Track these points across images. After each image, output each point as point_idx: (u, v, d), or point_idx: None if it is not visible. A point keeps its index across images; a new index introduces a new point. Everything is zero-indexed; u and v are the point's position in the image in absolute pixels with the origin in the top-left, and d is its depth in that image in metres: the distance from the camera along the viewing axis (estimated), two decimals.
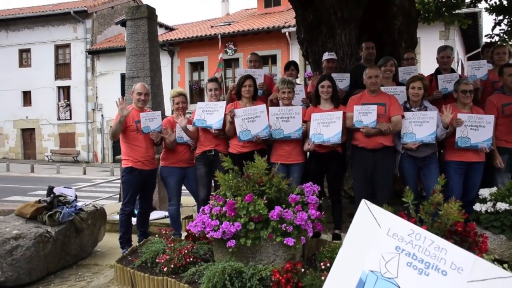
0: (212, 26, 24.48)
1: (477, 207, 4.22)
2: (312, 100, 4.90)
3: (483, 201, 4.25)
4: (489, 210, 4.10)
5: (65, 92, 25.69)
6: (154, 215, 6.66)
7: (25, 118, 26.11)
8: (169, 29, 26.79)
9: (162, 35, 24.91)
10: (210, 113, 4.97)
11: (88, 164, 23.50)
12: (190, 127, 5.05)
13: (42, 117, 25.80)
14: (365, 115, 4.37)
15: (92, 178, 16.77)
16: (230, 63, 22.54)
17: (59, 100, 25.70)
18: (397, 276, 1.57)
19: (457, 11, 7.39)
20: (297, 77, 5.93)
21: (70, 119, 25.48)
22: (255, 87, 4.92)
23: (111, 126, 5.30)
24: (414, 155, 4.52)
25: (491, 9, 6.96)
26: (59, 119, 25.77)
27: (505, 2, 6.65)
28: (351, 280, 1.56)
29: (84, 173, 18.88)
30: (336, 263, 1.60)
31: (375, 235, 1.64)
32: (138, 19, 7.18)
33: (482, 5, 8.50)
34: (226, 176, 3.99)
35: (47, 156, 25.51)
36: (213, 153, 4.96)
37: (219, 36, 20.62)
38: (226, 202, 3.83)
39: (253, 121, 4.66)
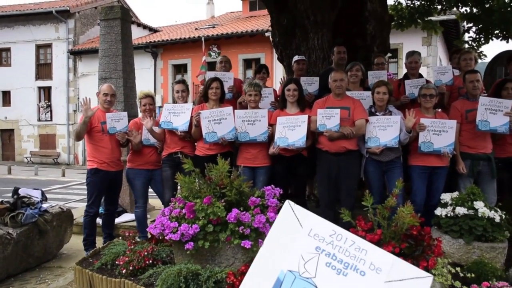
0: (196, 29, 24.44)
1: (438, 211, 4.25)
2: (278, 103, 4.91)
3: (444, 205, 4.29)
4: (449, 215, 4.14)
5: (46, 92, 25.36)
6: (124, 217, 6.61)
7: (4, 118, 25.70)
8: (153, 30, 26.73)
9: (146, 37, 24.86)
10: (176, 115, 4.95)
11: (68, 166, 23.24)
12: (156, 129, 5.03)
13: (22, 117, 25.42)
14: (328, 118, 4.39)
15: (71, 180, 16.59)
16: (213, 66, 22.40)
17: (40, 101, 25.36)
18: (315, 276, 1.57)
19: (430, 18, 7.48)
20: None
21: (51, 120, 25.15)
22: (222, 89, 4.91)
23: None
24: (378, 159, 4.55)
25: (462, 17, 7.07)
26: (39, 120, 25.42)
27: (475, 10, 6.74)
28: (269, 280, 1.56)
29: (63, 175, 18.64)
30: (255, 263, 1.60)
31: (296, 235, 1.64)
32: (111, 19, 7.13)
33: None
34: (186, 178, 3.98)
35: (26, 158, 25.14)
36: (179, 155, 4.93)
37: (203, 39, 20.62)
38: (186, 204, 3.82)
39: (219, 123, 4.65)
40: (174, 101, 5.27)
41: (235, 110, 4.71)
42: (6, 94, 25.85)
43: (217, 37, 21.79)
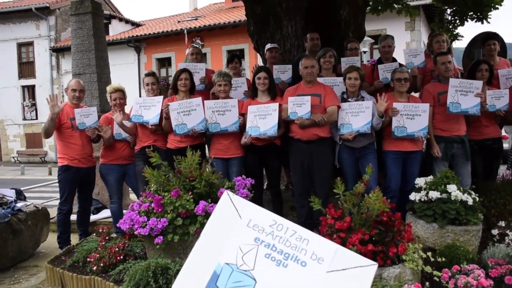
0: (179, 21, 24.20)
1: (412, 196, 4.21)
2: (250, 92, 4.83)
3: (419, 190, 4.26)
4: (422, 199, 4.11)
5: (30, 91, 25.03)
6: (104, 213, 6.54)
7: None
8: (136, 25, 26.41)
9: (128, 31, 24.56)
10: (147, 108, 4.87)
11: (56, 165, 22.96)
12: (127, 123, 4.94)
13: (7, 117, 25.09)
14: (299, 106, 4.33)
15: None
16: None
17: (24, 100, 25.04)
18: (254, 268, 1.51)
19: (409, 2, 7.42)
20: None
21: (36, 119, 24.83)
22: (191, 80, 4.83)
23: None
24: (352, 145, 4.50)
25: (438, 0, 7.01)
26: (24, 119, 25.11)
27: None
28: (205, 274, 1.50)
29: (50, 173, 18.45)
30: (190, 256, 1.54)
31: (235, 226, 1.58)
32: (82, 14, 6.98)
33: None
34: (155, 172, 3.91)
35: (13, 157, 24.88)
36: (151, 149, 4.84)
37: (186, 31, 20.43)
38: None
39: (188, 114, 4.57)
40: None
41: (205, 101, 4.63)
42: None
43: (200, 29, 21.58)
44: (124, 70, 21.99)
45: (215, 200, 3.75)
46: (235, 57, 5.76)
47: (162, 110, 4.71)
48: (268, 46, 5.84)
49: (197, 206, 3.56)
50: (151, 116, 4.81)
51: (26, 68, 25.04)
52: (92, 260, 3.91)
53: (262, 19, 6.73)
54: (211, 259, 1.53)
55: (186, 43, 19.22)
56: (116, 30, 24.83)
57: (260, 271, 1.51)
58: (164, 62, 23.01)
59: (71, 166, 4.80)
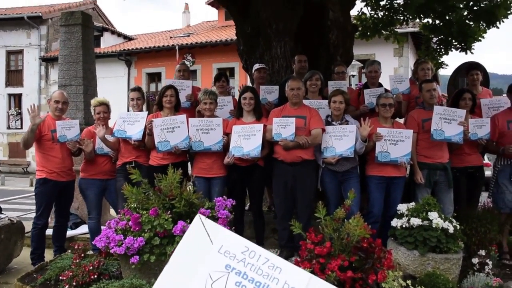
0: (171, 37, 24.25)
1: (394, 222, 4.19)
2: (235, 112, 4.81)
3: (401, 216, 4.24)
4: (404, 226, 4.08)
5: (16, 100, 24.73)
6: (83, 229, 6.39)
7: None
8: (128, 38, 26.42)
9: (120, 45, 24.53)
10: (131, 124, 4.81)
11: None
12: (110, 138, 4.87)
13: None
14: (283, 127, 4.31)
15: None
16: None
17: (10, 108, 24.74)
18: None
19: (395, 29, 7.52)
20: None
21: (21, 128, 24.39)
22: (177, 97, 4.80)
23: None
24: (334, 169, 4.48)
25: (425, 28, 7.12)
26: (9, 127, 24.72)
27: (437, 22, 6.80)
28: None
29: (31, 184, 18.10)
30: (157, 283, 1.48)
31: (206, 252, 1.53)
32: (71, 25, 6.95)
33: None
34: (134, 189, 3.84)
35: None
36: (133, 165, 4.78)
37: (177, 47, 20.47)
38: None
39: (172, 131, 4.53)
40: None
41: (189, 118, 4.59)
42: None
43: (192, 45, 21.64)
44: (114, 83, 21.89)
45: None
46: (222, 75, 5.75)
47: (145, 126, 4.65)
48: (256, 66, 5.85)
49: (175, 226, 3.50)
50: (135, 131, 4.75)
51: (13, 76, 24.78)
52: (64, 278, 3.79)
53: (251, 39, 6.76)
54: (179, 286, 1.47)
55: (177, 59, 19.26)
56: (107, 42, 24.79)
57: None
58: (154, 77, 22.96)
59: (49, 179, 4.69)
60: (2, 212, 5.79)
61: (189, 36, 23.90)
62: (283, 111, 4.53)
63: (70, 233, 6.04)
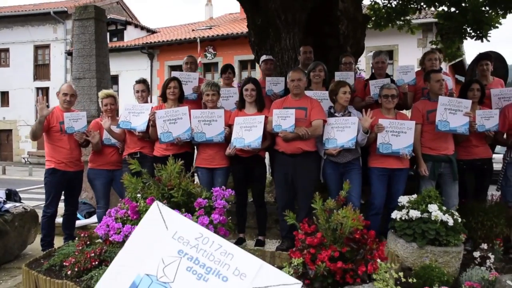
0: (193, 30, 24.42)
1: (394, 214, 4.16)
2: (238, 104, 4.83)
3: (402, 208, 4.20)
4: (403, 218, 4.04)
5: (43, 93, 25.40)
6: (95, 218, 6.55)
7: (2, 119, 25.79)
8: (151, 32, 26.72)
9: (143, 38, 24.85)
10: (136, 115, 4.90)
11: None
12: (116, 129, 4.97)
13: (20, 118, 25.46)
14: (283, 119, 4.31)
15: None
16: (209, 67, 22.49)
17: (38, 102, 25.38)
18: (173, 281, 1.49)
19: (407, 18, 7.38)
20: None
21: None
22: (181, 89, 4.85)
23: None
24: (336, 160, 4.46)
25: (439, 16, 6.96)
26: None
27: (452, 10, 6.64)
28: (124, 284, 1.48)
29: None
30: (111, 266, 1.53)
31: (160, 237, 1.56)
32: (85, 19, 7.09)
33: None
34: (133, 179, 3.92)
35: (24, 158, 25.20)
36: (138, 155, 4.87)
37: (198, 40, 20.58)
38: None
39: (174, 122, 4.59)
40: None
41: (192, 110, 4.64)
42: (5, 95, 25.94)
43: (213, 38, 21.75)
44: (137, 76, 22.01)
45: (192, 210, 3.74)
46: (228, 67, 5.77)
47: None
48: (264, 57, 5.86)
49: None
50: (139, 123, 4.84)
51: (41, 70, 25.47)
52: (67, 264, 3.91)
53: (262, 31, 6.77)
54: (132, 270, 1.51)
55: (198, 52, 19.37)
56: (131, 36, 25.16)
57: (179, 284, 1.49)
58: (176, 70, 23.00)
59: (58, 169, 4.82)
60: (22, 201, 6.01)
61: (211, 28, 24.01)
62: (285, 103, 4.52)
63: (83, 222, 6.22)
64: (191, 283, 1.49)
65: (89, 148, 5.36)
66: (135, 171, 3.91)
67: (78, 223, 5.89)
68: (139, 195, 3.96)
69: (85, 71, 7.08)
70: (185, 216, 3.55)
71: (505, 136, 4.76)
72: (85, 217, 6.46)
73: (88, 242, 4.32)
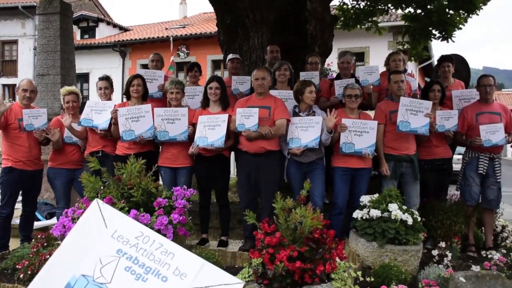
0: (166, 28, 24.17)
1: (355, 214, 4.19)
2: (202, 102, 4.78)
3: (363, 208, 4.23)
4: (364, 217, 4.08)
5: (10, 90, 24.71)
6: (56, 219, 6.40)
7: None
8: (123, 29, 26.33)
9: (115, 36, 24.45)
10: (98, 113, 4.79)
11: None
12: (77, 127, 4.85)
13: None
14: (247, 118, 4.29)
15: None
16: (182, 67, 22.26)
17: (4, 99, 24.69)
18: (110, 282, 1.45)
19: (374, 19, 7.47)
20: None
21: None
22: (145, 86, 4.78)
23: None
24: (300, 160, 4.46)
25: (405, 18, 7.08)
26: None
27: (418, 11, 6.76)
28: (57, 285, 1.43)
29: None
30: (45, 267, 1.48)
31: (99, 236, 1.52)
32: (50, 14, 6.92)
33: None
34: (92, 178, 3.83)
35: None
36: (100, 154, 4.77)
37: (171, 39, 20.37)
38: None
39: (137, 120, 4.51)
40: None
41: (155, 108, 4.57)
42: None
43: (186, 37, 21.57)
44: (108, 74, 21.68)
45: (151, 210, 3.68)
46: (195, 65, 5.72)
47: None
48: (230, 56, 5.83)
49: (128, 215, 3.48)
50: (101, 120, 4.74)
51: (8, 66, 24.78)
52: (20, 267, 3.79)
53: (231, 30, 6.74)
54: (68, 270, 1.46)
55: (171, 51, 19.17)
56: (103, 33, 24.73)
57: (116, 284, 1.45)
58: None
59: (15, 168, 4.67)
60: None
61: (184, 27, 23.81)
62: (249, 102, 4.50)
63: (43, 223, 6.05)
64: (129, 283, 1.45)
65: (50, 146, 5.21)
66: (94, 169, 3.83)
67: (38, 224, 5.73)
68: (92, 194, 3.88)
69: (49, 67, 6.91)
70: (144, 216, 3.51)
71: (464, 137, 4.85)
72: (46, 218, 6.30)
73: (45, 244, 4.20)
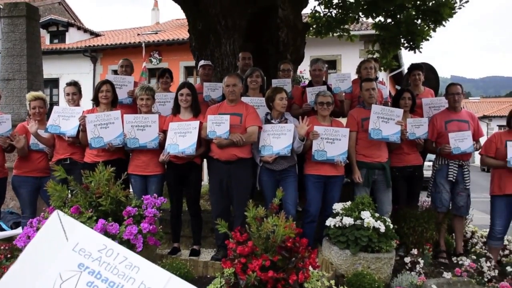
0: (138, 34, 23.90)
1: (328, 221, 4.17)
2: (173, 109, 4.70)
3: (335, 215, 4.22)
4: (337, 225, 4.07)
5: None
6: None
7: None
8: (94, 34, 25.90)
9: (86, 41, 24.02)
10: (66, 119, 4.66)
11: None
12: (44, 133, 4.70)
13: None
14: (218, 125, 4.23)
15: None
16: (154, 73, 22.00)
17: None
18: None
19: (346, 27, 7.54)
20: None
21: None
22: (114, 92, 4.67)
23: None
24: (272, 168, 4.43)
25: (375, 27, 7.18)
26: None
27: (388, 21, 6.86)
28: None
29: None
30: (1, 282, 1.38)
31: (59, 249, 1.43)
32: (15, 17, 6.72)
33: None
34: (58, 187, 3.70)
35: None
36: (68, 162, 4.64)
37: (143, 45, 20.15)
38: None
39: (106, 127, 4.40)
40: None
41: (124, 115, 4.46)
42: None
43: (158, 43, 21.37)
44: (79, 80, 20.98)
45: (120, 219, 3.58)
46: (166, 71, 5.64)
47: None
48: (202, 63, 5.78)
49: (95, 225, 3.37)
50: (69, 127, 4.60)
51: None
52: None
53: (203, 36, 6.67)
54: (25, 286, 1.37)
55: (143, 57, 18.96)
56: (73, 38, 24.24)
57: None
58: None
59: None
60: None
61: (156, 33, 23.59)
62: (220, 108, 4.45)
63: (8, 233, 5.81)
64: None
65: (16, 154, 5.04)
66: (60, 178, 3.71)
67: (2, 234, 5.51)
68: (57, 203, 3.75)
69: (14, 71, 6.69)
70: (112, 225, 3.40)
71: (434, 144, 4.91)
72: (12, 228, 6.05)
73: (8, 255, 4.03)
